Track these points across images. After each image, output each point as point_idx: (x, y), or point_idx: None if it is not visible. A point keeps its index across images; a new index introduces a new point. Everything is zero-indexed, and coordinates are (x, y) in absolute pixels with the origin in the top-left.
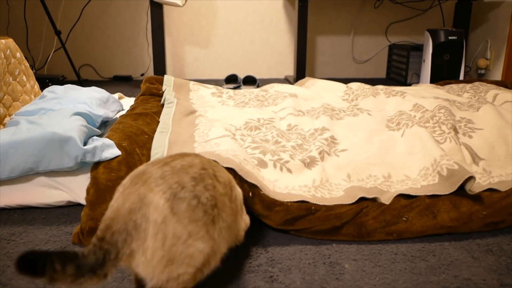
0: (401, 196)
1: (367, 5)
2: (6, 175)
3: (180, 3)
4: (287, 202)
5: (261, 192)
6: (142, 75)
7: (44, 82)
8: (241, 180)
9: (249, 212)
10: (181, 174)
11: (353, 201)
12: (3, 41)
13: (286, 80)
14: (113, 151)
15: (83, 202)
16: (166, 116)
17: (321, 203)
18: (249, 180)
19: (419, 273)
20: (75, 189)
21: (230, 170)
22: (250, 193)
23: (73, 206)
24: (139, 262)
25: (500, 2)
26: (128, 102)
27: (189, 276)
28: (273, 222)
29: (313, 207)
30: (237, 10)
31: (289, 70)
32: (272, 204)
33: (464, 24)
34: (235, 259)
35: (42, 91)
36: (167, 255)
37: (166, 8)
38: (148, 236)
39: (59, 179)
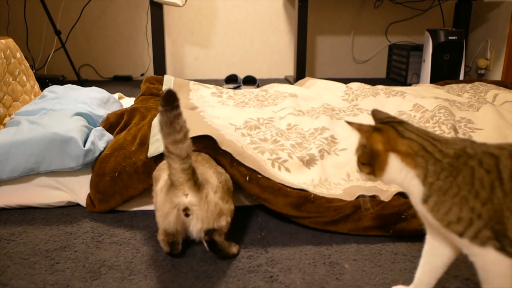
0: (400, 194)
1: (367, 5)
2: (7, 175)
3: (180, 3)
4: (286, 186)
5: (259, 176)
6: (142, 75)
7: (44, 82)
8: (238, 164)
9: (250, 195)
10: (210, 161)
11: (352, 199)
12: (3, 41)
13: (286, 80)
14: (107, 137)
15: (83, 202)
16: None
17: (320, 195)
18: (247, 164)
19: None
20: (76, 190)
21: (227, 154)
22: (247, 177)
23: (73, 206)
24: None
25: (500, 2)
26: (128, 102)
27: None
28: (274, 206)
29: (312, 195)
30: (237, 10)
31: (289, 70)
32: (270, 187)
33: (464, 24)
34: (235, 259)
35: (42, 91)
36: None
37: (166, 8)
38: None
39: (60, 179)
